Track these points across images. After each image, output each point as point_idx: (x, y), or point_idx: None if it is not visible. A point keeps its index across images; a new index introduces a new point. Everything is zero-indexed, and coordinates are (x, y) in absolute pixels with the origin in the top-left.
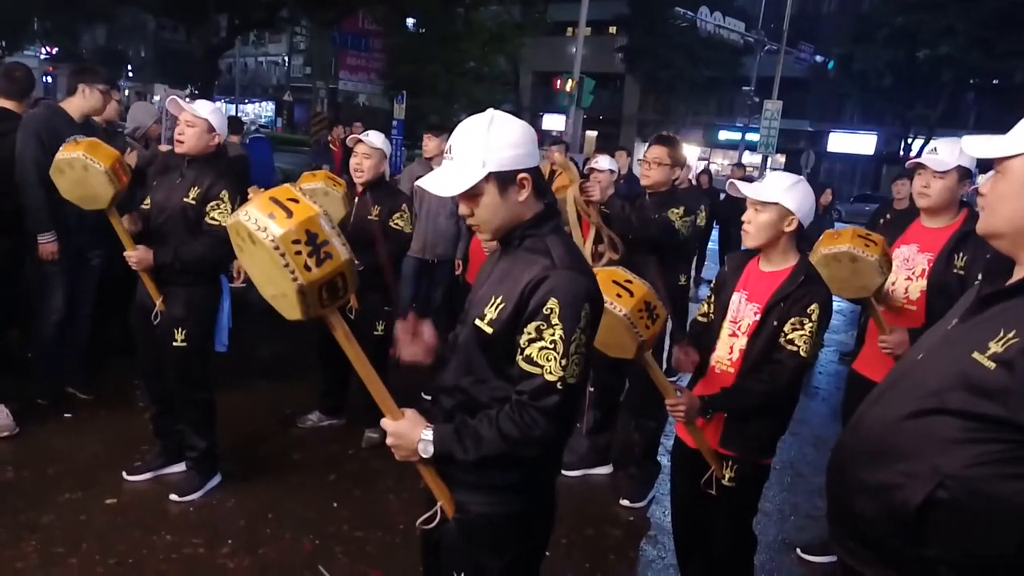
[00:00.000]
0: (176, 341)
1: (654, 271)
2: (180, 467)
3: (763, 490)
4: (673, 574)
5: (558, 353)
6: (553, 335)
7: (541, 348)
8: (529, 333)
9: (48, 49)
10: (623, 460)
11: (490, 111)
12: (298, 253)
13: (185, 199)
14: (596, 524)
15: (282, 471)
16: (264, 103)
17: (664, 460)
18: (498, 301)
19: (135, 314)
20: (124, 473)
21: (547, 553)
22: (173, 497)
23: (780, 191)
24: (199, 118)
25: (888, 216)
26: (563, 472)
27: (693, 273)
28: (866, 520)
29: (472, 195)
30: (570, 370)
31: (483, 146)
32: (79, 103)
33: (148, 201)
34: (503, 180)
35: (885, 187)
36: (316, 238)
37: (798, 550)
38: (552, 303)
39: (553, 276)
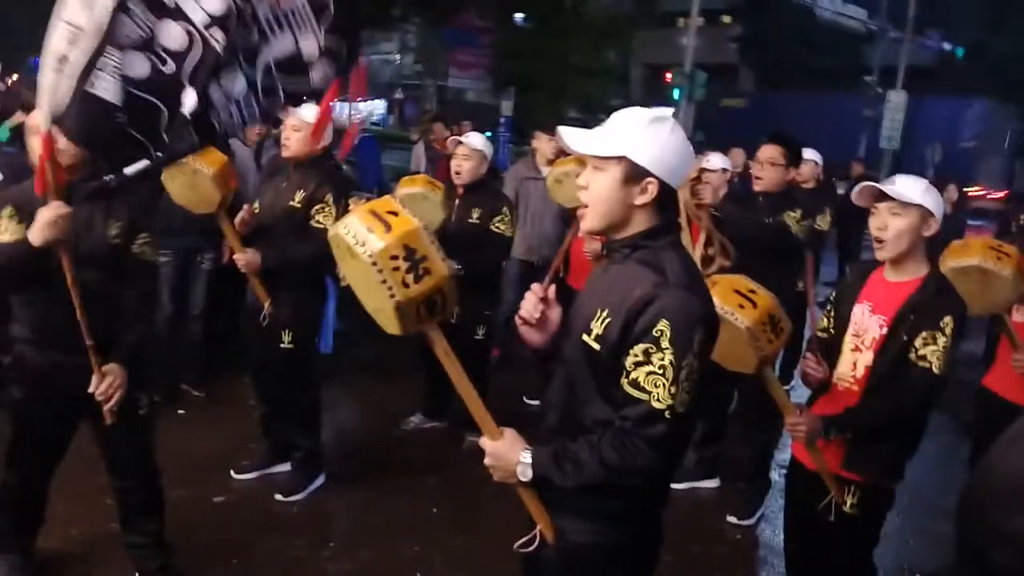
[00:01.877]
0: (283, 343)
1: (768, 278)
2: (286, 467)
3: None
4: None
5: (667, 379)
6: (663, 359)
7: (649, 373)
8: (636, 355)
9: None
10: (732, 474)
11: (668, 114)
12: (396, 269)
13: (291, 202)
14: (702, 541)
15: (384, 473)
16: (376, 101)
17: (776, 475)
18: (604, 315)
19: (245, 315)
20: (232, 471)
21: None
22: (278, 497)
23: (920, 192)
24: (305, 122)
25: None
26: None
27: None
28: (1003, 570)
29: (597, 167)
30: (680, 398)
31: (635, 133)
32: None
33: (256, 204)
34: (631, 173)
35: (1020, 182)
36: (415, 253)
37: None
38: (663, 324)
39: (665, 295)
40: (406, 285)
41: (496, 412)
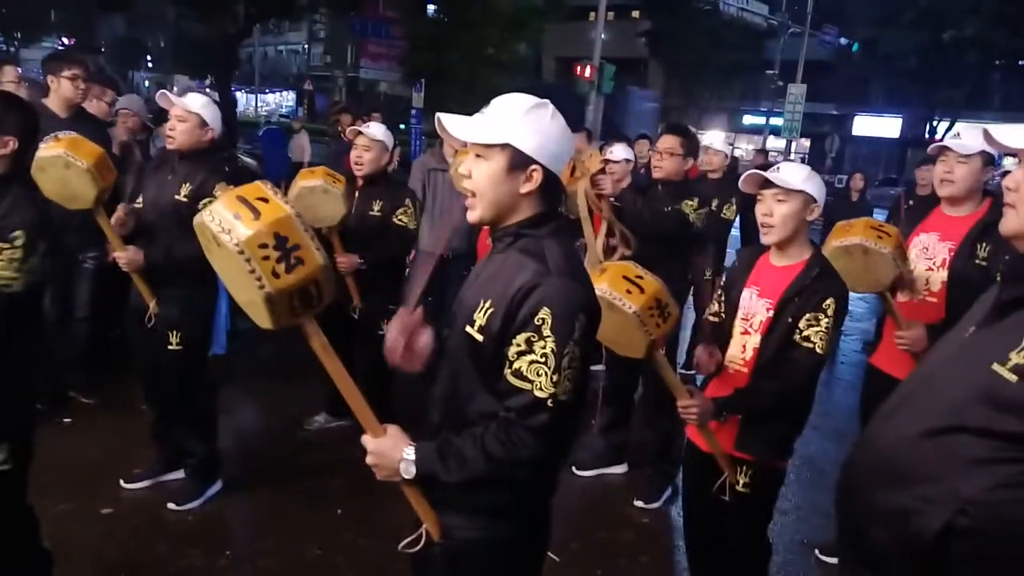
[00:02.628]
0: (171, 344)
1: (668, 267)
2: (180, 474)
3: (784, 487)
4: None
5: (549, 368)
6: (544, 348)
7: (531, 362)
8: (519, 345)
9: (66, 40)
10: (638, 460)
11: (547, 101)
12: (265, 258)
13: (177, 196)
14: (609, 527)
15: (287, 476)
16: (285, 92)
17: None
18: (487, 305)
19: (130, 317)
20: (122, 481)
21: (556, 558)
22: (171, 506)
23: (802, 179)
24: (191, 113)
25: (911, 202)
26: (576, 471)
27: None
28: (880, 547)
29: (480, 156)
30: (562, 386)
31: (517, 120)
32: (54, 97)
33: (139, 200)
34: (515, 160)
35: (910, 171)
36: (286, 242)
37: (817, 551)
38: (544, 313)
39: (546, 284)
40: (276, 276)
41: (403, 409)
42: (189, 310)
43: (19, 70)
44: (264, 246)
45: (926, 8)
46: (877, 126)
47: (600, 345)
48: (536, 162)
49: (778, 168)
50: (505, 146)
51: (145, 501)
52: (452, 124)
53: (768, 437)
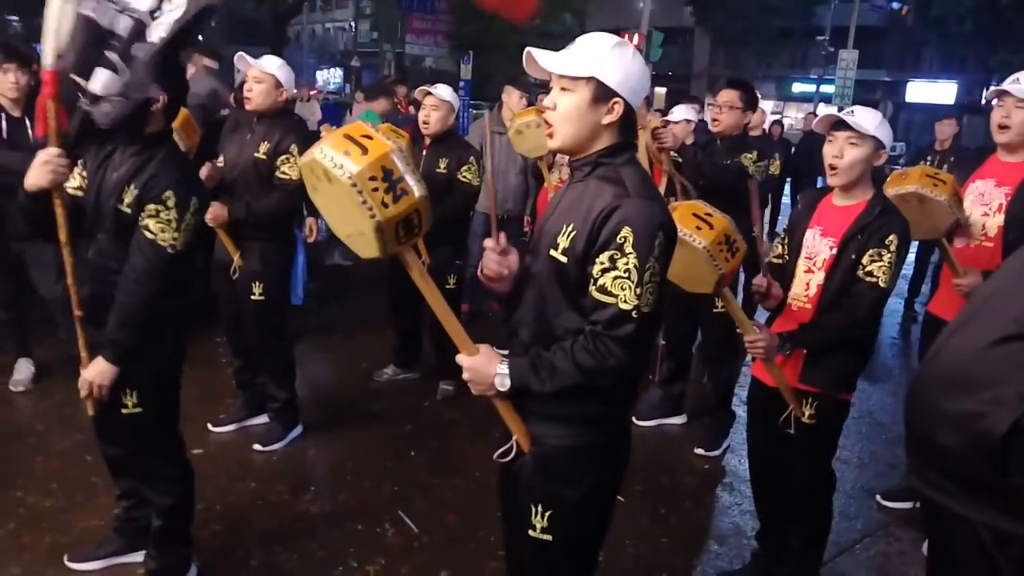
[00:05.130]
0: (254, 295)
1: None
2: (263, 419)
3: (844, 438)
4: (750, 520)
5: (632, 282)
6: (627, 264)
7: (615, 277)
8: (602, 263)
9: None
10: (697, 410)
11: (626, 41)
12: (375, 190)
13: (256, 154)
14: (671, 472)
15: (360, 423)
16: (333, 69)
17: (739, 411)
18: (569, 229)
19: (215, 270)
20: (209, 425)
21: (621, 499)
22: (257, 447)
23: (875, 124)
24: (267, 74)
25: (929, 159)
26: (636, 422)
27: (767, 227)
28: (948, 451)
29: (566, 88)
30: (644, 298)
31: (602, 56)
32: None
33: (222, 158)
34: (599, 93)
35: (967, 137)
36: (392, 174)
37: (878, 496)
38: (626, 231)
39: (626, 204)
40: (385, 205)
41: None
42: (269, 262)
43: None
44: (373, 179)
45: None
46: (931, 92)
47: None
48: (618, 95)
49: (852, 111)
50: (591, 79)
51: (232, 443)
52: (543, 57)
53: (833, 370)
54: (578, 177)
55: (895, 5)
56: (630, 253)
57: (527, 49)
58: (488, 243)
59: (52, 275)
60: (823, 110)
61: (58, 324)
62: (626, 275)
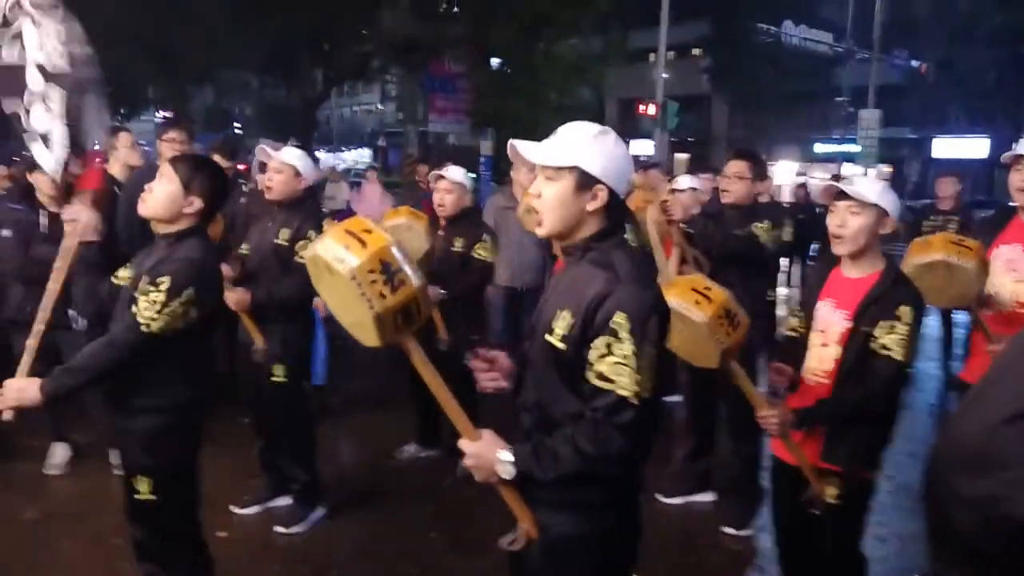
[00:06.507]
0: (275, 376)
1: (741, 287)
2: (286, 500)
3: (881, 515)
4: None
5: (631, 367)
6: (624, 350)
7: (613, 363)
8: (598, 348)
9: (163, 113)
10: (727, 486)
11: (609, 128)
12: (373, 282)
13: (276, 240)
14: (699, 551)
15: (382, 502)
16: (361, 149)
17: (767, 484)
18: (565, 314)
19: (238, 352)
20: (233, 507)
21: None
22: (279, 529)
23: (877, 192)
24: (286, 164)
25: (932, 219)
26: (663, 499)
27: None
28: (967, 533)
29: (550, 177)
30: (643, 384)
31: (584, 145)
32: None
33: (245, 246)
34: (582, 181)
35: (1000, 192)
36: (390, 267)
37: None
38: (619, 317)
39: (618, 291)
40: (383, 297)
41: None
42: (290, 344)
43: (133, 136)
44: (372, 271)
45: (1001, 23)
46: (959, 147)
47: (676, 375)
48: (601, 182)
49: (853, 181)
50: (573, 168)
51: (255, 525)
52: (525, 148)
53: (854, 447)
54: (570, 262)
55: (914, 63)
56: (625, 339)
57: (510, 141)
58: (474, 363)
59: None
60: (848, 170)
61: (88, 408)
62: (624, 361)
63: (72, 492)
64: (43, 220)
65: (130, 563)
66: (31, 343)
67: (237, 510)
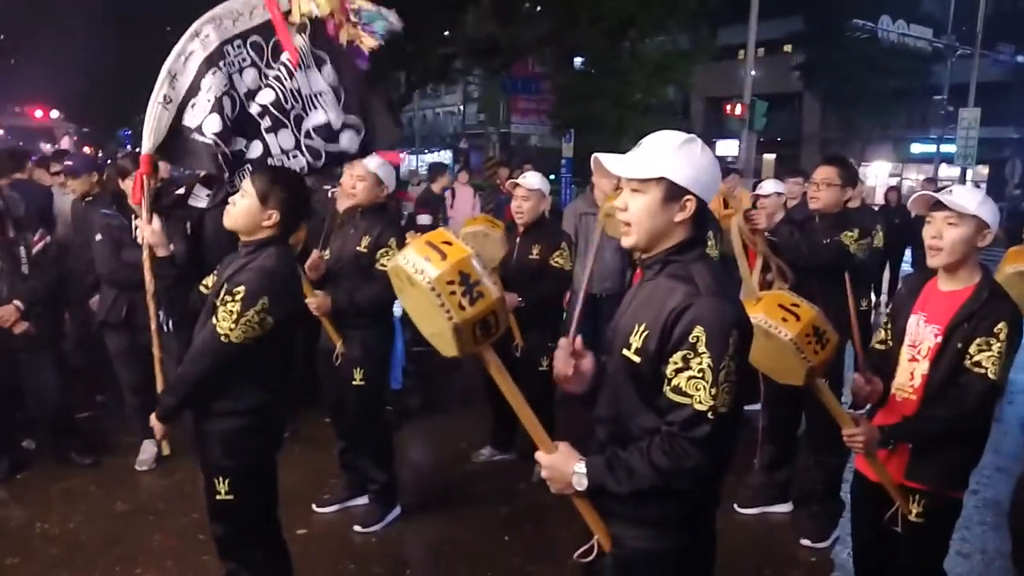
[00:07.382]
0: (355, 380)
1: (827, 298)
2: (364, 499)
3: (966, 530)
4: None
5: (707, 382)
6: (701, 364)
7: (690, 377)
8: (676, 363)
9: None
10: (805, 497)
11: (695, 136)
12: (452, 293)
13: (358, 247)
14: (774, 564)
15: (458, 504)
16: (443, 151)
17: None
18: (641, 329)
19: (320, 356)
20: (314, 505)
21: None
22: (356, 528)
23: (976, 203)
24: (369, 172)
25: None
26: (739, 509)
27: (882, 298)
28: None
29: (637, 190)
30: (720, 399)
31: (671, 155)
32: None
33: (328, 250)
34: (670, 192)
35: None
36: (469, 278)
37: None
38: (698, 331)
39: (697, 304)
40: (462, 308)
41: (563, 438)
42: (370, 349)
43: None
44: (451, 283)
45: None
46: None
47: (757, 384)
48: (690, 192)
49: (951, 191)
50: (660, 179)
51: (334, 524)
52: (610, 162)
53: (941, 465)
54: (648, 275)
55: (1020, 59)
56: (703, 353)
57: (594, 155)
58: (562, 341)
59: (174, 364)
60: (945, 171)
61: None
62: (700, 375)
63: (160, 488)
64: (135, 225)
65: (213, 558)
66: (156, 352)
67: (318, 508)
